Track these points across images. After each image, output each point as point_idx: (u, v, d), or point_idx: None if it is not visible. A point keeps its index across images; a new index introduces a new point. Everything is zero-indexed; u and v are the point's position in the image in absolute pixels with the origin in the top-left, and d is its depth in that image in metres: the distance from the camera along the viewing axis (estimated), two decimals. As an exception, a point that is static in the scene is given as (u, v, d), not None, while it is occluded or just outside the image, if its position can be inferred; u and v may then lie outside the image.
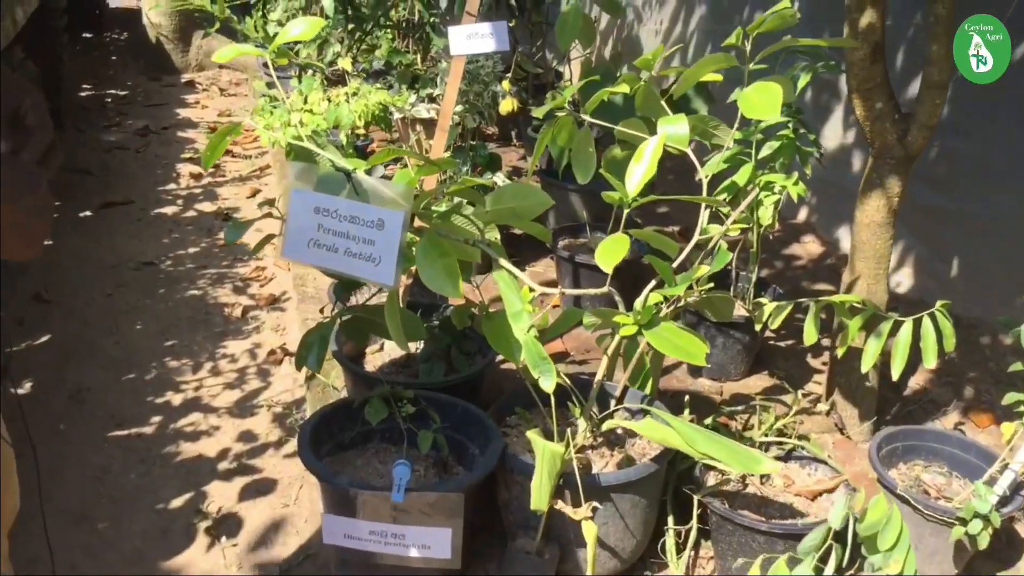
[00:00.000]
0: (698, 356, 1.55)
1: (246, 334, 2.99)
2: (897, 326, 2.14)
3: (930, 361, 2.14)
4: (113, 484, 2.25)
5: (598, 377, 1.83)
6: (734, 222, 2.10)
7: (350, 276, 1.58)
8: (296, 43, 3.53)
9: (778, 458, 2.02)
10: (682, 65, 5.09)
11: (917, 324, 2.14)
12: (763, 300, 2.53)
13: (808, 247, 3.91)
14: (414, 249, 1.54)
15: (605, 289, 1.71)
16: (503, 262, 1.65)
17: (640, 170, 1.57)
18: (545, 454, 1.59)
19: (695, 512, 1.88)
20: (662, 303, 1.77)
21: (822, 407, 2.55)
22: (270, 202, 1.76)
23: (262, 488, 2.25)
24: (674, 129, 1.84)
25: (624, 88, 1.82)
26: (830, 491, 1.93)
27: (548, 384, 1.51)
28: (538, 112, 2.13)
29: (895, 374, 2.15)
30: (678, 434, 1.63)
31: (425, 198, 1.64)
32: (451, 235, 1.61)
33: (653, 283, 1.75)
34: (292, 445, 2.41)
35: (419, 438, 1.80)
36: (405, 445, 1.85)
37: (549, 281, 3.11)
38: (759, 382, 2.71)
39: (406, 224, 1.49)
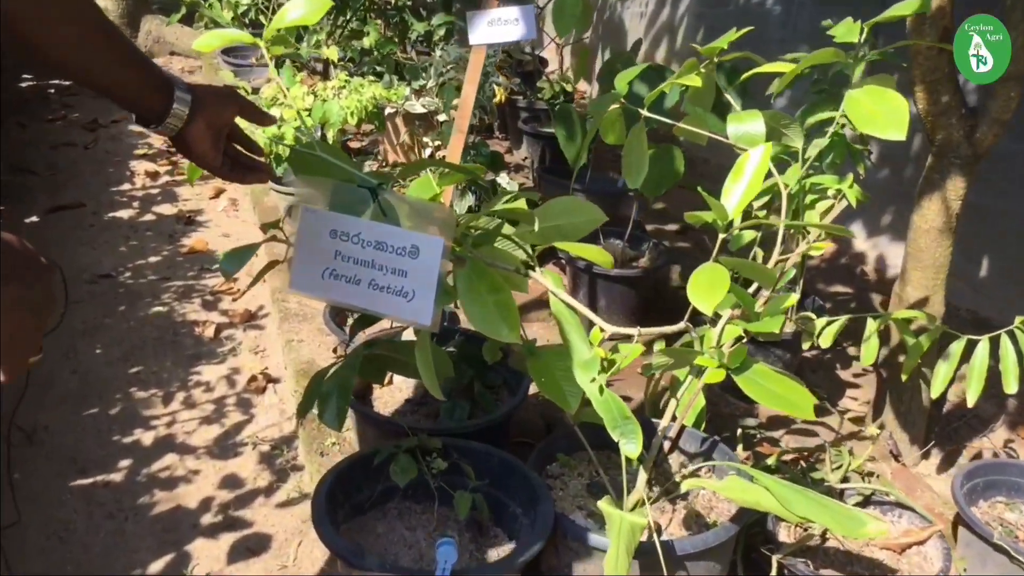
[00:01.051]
0: (805, 408, 1.30)
1: (221, 357, 2.69)
2: (971, 346, 1.92)
3: (1011, 386, 1.93)
4: (79, 545, 1.94)
5: (662, 425, 1.57)
6: (808, 241, 1.86)
7: (376, 313, 1.31)
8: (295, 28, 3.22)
9: (857, 504, 1.78)
10: (670, 51, 4.85)
11: (994, 343, 1.93)
12: (810, 315, 2.30)
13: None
14: (450, 280, 1.28)
15: (682, 325, 1.46)
16: (562, 295, 1.39)
17: (740, 188, 1.31)
18: (623, 527, 1.33)
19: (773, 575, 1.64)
20: (742, 338, 1.52)
21: (871, 431, 2.33)
22: (274, 224, 1.47)
23: (254, 546, 1.96)
24: (746, 128, 1.59)
25: (695, 80, 1.56)
26: (920, 543, 1.70)
27: (632, 448, 1.26)
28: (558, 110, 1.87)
29: (971, 401, 1.94)
30: (772, 495, 1.38)
31: (470, 219, 1.37)
32: (497, 263, 1.34)
33: (728, 314, 1.49)
34: (284, 491, 2.12)
35: (455, 501, 1.53)
36: (436, 506, 1.59)
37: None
38: (796, 402, 2.47)
39: (447, 252, 1.23)
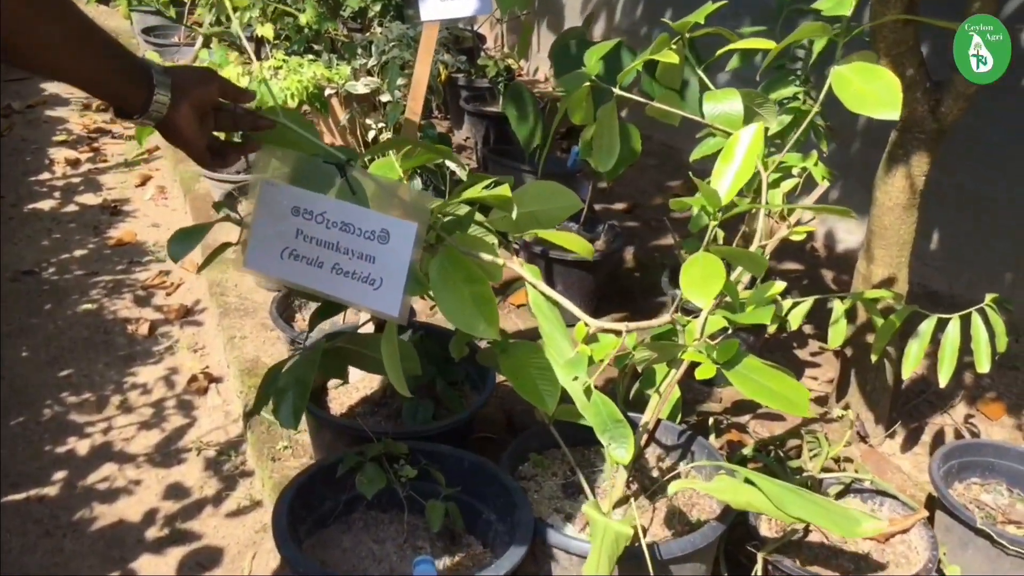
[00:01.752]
0: (802, 405, 1.23)
1: (157, 357, 2.54)
2: (942, 325, 1.89)
3: (984, 365, 1.90)
4: (15, 567, 1.80)
5: (645, 419, 1.50)
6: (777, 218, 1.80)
7: (338, 300, 1.22)
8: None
9: (838, 496, 1.74)
10: (609, 26, 4.77)
11: (965, 322, 1.90)
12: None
13: (767, 222, 3.67)
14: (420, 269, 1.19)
15: (667, 319, 1.38)
16: (541, 286, 1.30)
17: (731, 171, 1.23)
18: (607, 535, 1.26)
19: (758, 572, 1.58)
20: (727, 329, 1.45)
21: (838, 412, 2.30)
22: (228, 202, 1.36)
23: (205, 560, 1.84)
24: (724, 107, 1.52)
25: (672, 57, 1.47)
26: (904, 531, 1.66)
27: (623, 454, 1.18)
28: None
29: (943, 381, 1.91)
30: (765, 496, 1.31)
31: (440, 205, 1.27)
32: (471, 251, 1.25)
33: (711, 305, 1.41)
34: (234, 500, 2.00)
35: (428, 512, 1.44)
36: (405, 516, 1.49)
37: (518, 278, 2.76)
38: (759, 384, 2.43)
39: (420, 239, 1.14)
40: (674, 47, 1.58)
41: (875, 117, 1.26)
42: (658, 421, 1.69)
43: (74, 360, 2.51)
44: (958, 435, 2.42)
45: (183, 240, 1.33)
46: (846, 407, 2.29)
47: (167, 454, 2.15)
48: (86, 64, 1.00)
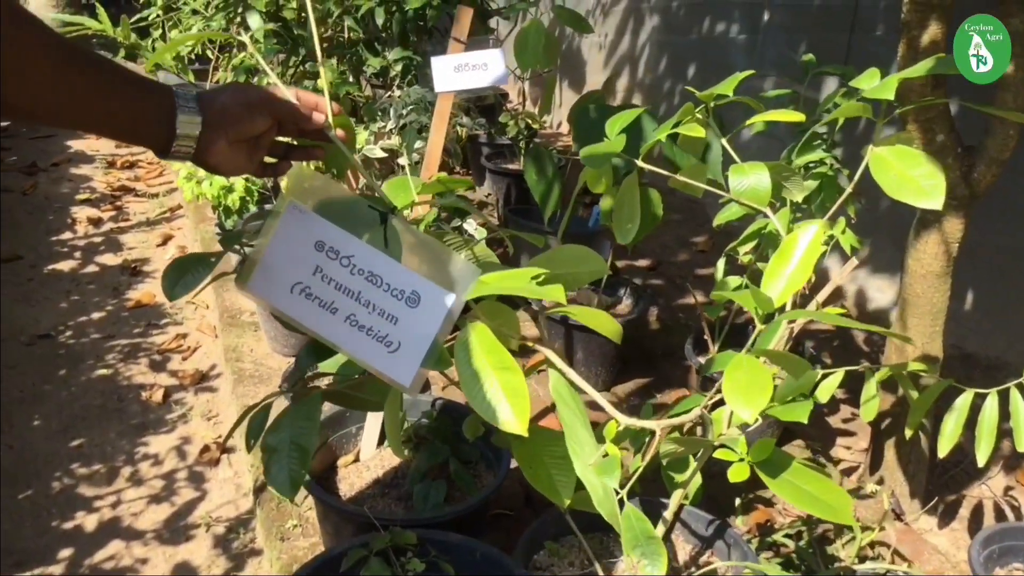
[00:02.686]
0: (844, 513, 1.15)
1: (170, 425, 2.50)
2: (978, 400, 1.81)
3: (1023, 444, 1.82)
4: (12, 653, 1.75)
5: (670, 509, 1.42)
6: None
7: (345, 352, 1.13)
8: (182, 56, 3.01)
9: (872, 585, 1.65)
10: (632, 81, 4.75)
11: (1002, 397, 1.82)
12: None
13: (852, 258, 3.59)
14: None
15: (697, 414, 1.31)
16: (570, 373, 1.22)
17: (786, 272, 1.16)
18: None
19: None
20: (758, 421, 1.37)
21: (871, 487, 2.20)
22: (236, 237, 1.31)
23: (210, 646, 1.78)
24: (750, 181, 1.45)
25: (697, 131, 1.41)
26: (943, 627, 1.57)
27: (656, 571, 1.10)
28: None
29: (981, 460, 1.82)
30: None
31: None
32: (502, 328, 1.18)
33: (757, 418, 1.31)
34: (243, 581, 1.94)
35: (436, 609, 1.37)
36: (414, 614, 1.42)
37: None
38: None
39: (456, 313, 1.06)
40: (699, 116, 1.53)
41: (916, 206, 1.20)
42: (680, 506, 1.62)
43: (86, 429, 2.47)
44: (998, 509, 2.32)
45: (178, 273, 1.24)
46: (880, 481, 2.20)
47: (175, 530, 2.10)
48: (87, 101, 0.91)
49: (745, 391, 1.04)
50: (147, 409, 2.57)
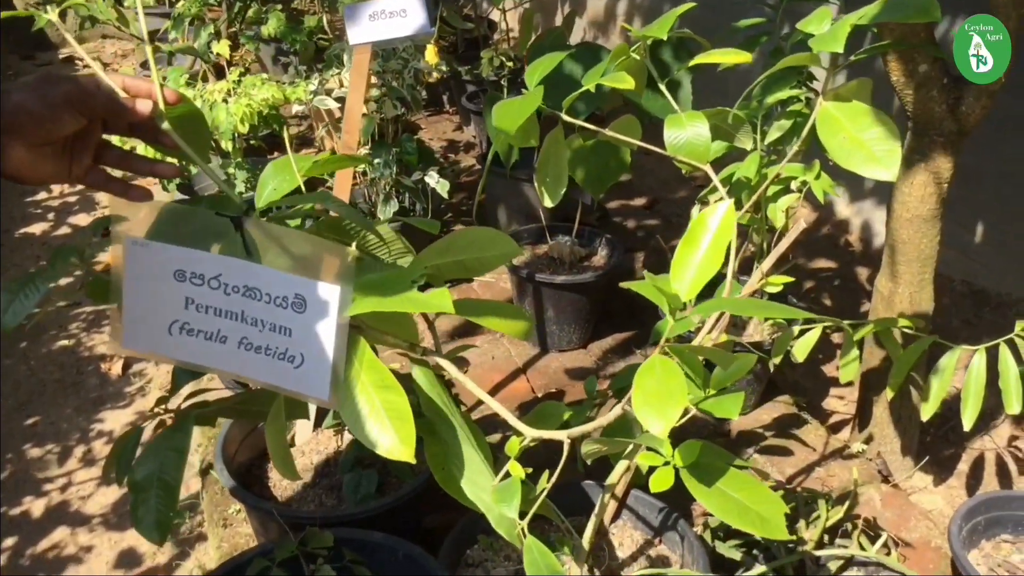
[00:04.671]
0: (775, 526, 1.02)
1: (128, 399, 2.41)
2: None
3: (1013, 406, 1.69)
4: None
5: (589, 530, 1.29)
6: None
7: (254, 383, 1.01)
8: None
9: (839, 570, 1.52)
10: (597, 16, 4.49)
11: (992, 355, 1.68)
12: (782, 320, 2.02)
13: (797, 212, 3.40)
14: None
15: (617, 414, 1.17)
16: (462, 379, 1.08)
17: (695, 261, 1.01)
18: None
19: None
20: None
21: (856, 446, 2.07)
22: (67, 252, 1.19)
23: (148, 641, 1.71)
24: (687, 134, 1.29)
25: (626, 83, 1.24)
26: (912, 616, 1.45)
27: None
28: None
29: (967, 424, 1.68)
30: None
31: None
32: (384, 333, 1.05)
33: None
34: (185, 569, 1.86)
35: (343, 624, 1.27)
36: (325, 624, 1.32)
37: (505, 301, 2.57)
38: (772, 413, 2.21)
39: (346, 303, 0.92)
40: (635, 56, 1.36)
41: (865, 175, 1.04)
42: (628, 490, 1.50)
43: (42, 406, 2.39)
44: (1000, 462, 2.18)
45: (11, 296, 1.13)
46: (869, 439, 2.07)
47: (123, 515, 2.02)
48: None
49: (657, 402, 0.90)
50: (106, 382, 2.49)
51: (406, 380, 1.02)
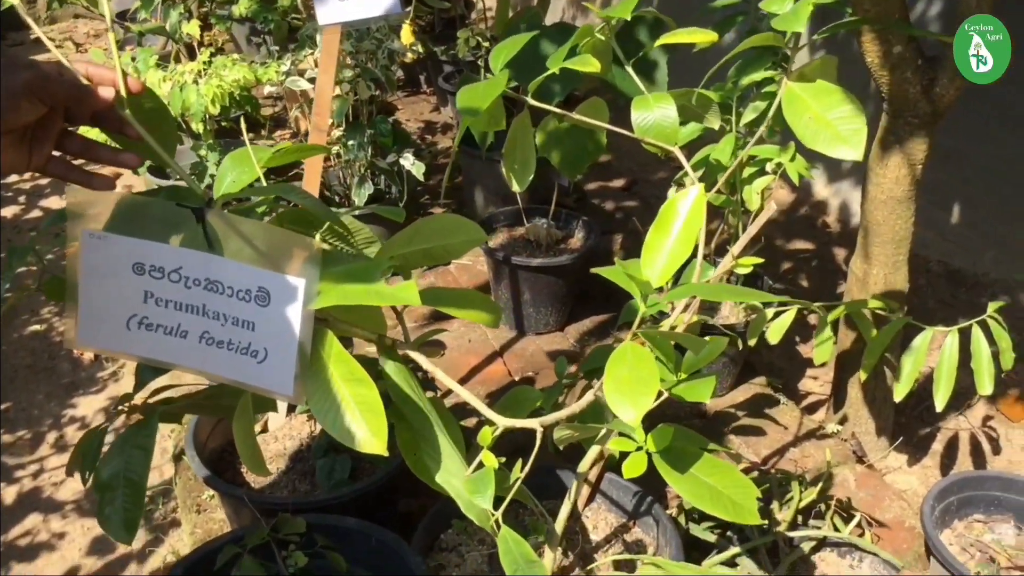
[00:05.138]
0: (748, 511, 1.03)
1: (100, 384, 2.40)
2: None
3: (985, 387, 1.70)
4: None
5: (582, 468, 1.30)
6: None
7: (217, 379, 1.00)
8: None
9: (812, 551, 1.54)
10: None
11: (965, 336, 1.69)
12: (758, 303, 2.03)
13: (775, 192, 3.40)
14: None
15: (589, 400, 1.16)
16: (435, 372, 1.08)
17: (666, 247, 1.00)
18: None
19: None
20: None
21: (831, 427, 2.08)
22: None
23: (122, 628, 1.71)
24: (655, 116, 1.28)
25: (592, 66, 1.23)
26: (885, 596, 1.46)
27: None
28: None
29: (939, 405, 1.70)
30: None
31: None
32: (351, 325, 1.04)
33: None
34: (159, 556, 1.86)
35: (315, 610, 1.26)
36: (298, 611, 1.32)
37: (482, 286, 2.57)
38: (747, 394, 2.22)
39: (311, 296, 0.91)
40: (600, 38, 1.35)
41: (832, 156, 1.04)
42: (602, 474, 1.50)
43: (14, 392, 2.37)
44: (974, 441, 2.20)
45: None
46: (843, 420, 2.08)
47: (96, 501, 2.00)
48: None
49: (628, 389, 0.90)
50: (78, 367, 2.47)
51: (373, 363, 1.02)
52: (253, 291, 0.92)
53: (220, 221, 0.92)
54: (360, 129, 2.36)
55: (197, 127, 2.23)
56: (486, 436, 1.05)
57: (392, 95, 3.01)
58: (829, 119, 1.07)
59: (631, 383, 0.91)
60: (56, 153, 0.94)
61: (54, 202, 3.45)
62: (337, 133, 2.41)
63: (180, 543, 1.86)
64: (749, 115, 1.88)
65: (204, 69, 2.10)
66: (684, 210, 1.00)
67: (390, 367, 1.03)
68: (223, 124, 2.45)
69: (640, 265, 1.03)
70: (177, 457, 1.98)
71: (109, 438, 1.22)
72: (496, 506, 1.02)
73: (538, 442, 1.05)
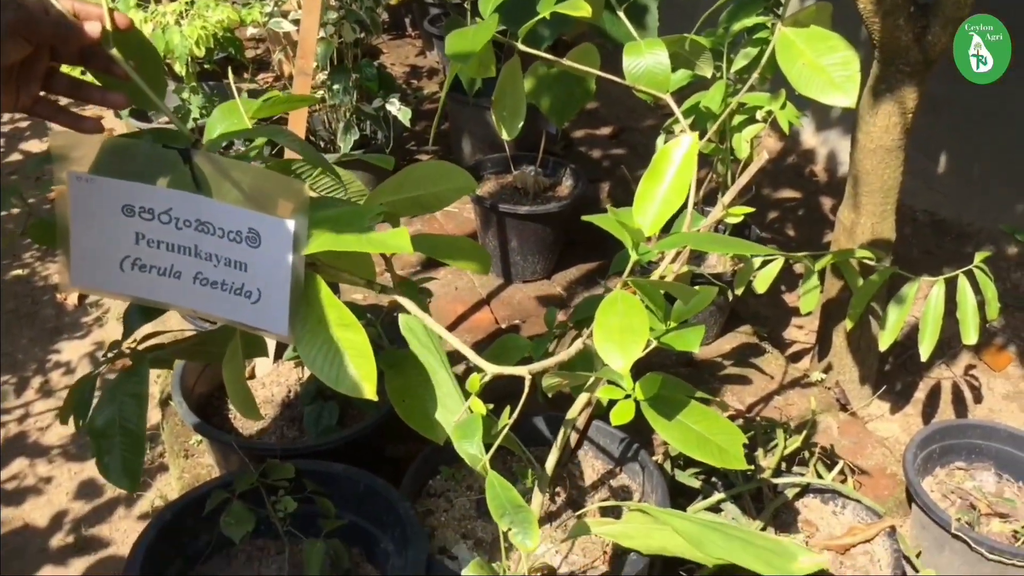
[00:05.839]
0: (734, 455, 1.04)
1: (85, 329, 2.39)
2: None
3: (970, 336, 1.72)
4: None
5: (551, 461, 1.31)
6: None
7: (212, 317, 1.00)
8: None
9: (796, 496, 1.56)
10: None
11: (951, 286, 1.71)
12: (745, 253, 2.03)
13: (764, 140, 3.40)
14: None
15: (575, 350, 1.17)
16: (428, 321, 1.07)
17: (659, 194, 1.00)
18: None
19: (695, 598, 1.42)
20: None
21: (816, 375, 2.10)
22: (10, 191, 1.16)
23: (110, 571, 1.72)
24: (647, 62, 1.27)
25: (582, 9, 1.21)
26: (867, 540, 1.49)
27: (527, 543, 0.99)
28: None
29: (924, 354, 1.71)
30: (680, 536, 1.13)
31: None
32: (340, 271, 1.04)
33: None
34: (147, 500, 1.87)
35: (305, 554, 1.27)
36: (287, 555, 1.34)
37: (469, 234, 2.56)
38: (733, 343, 2.23)
39: (302, 239, 0.90)
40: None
41: (824, 102, 1.04)
42: (589, 422, 1.51)
43: (-3, 337, 2.36)
44: (956, 390, 2.23)
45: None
46: (827, 368, 2.10)
47: (83, 445, 2.01)
48: None
49: (619, 338, 0.90)
50: (62, 312, 2.46)
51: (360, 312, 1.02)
52: (244, 232, 0.92)
53: (207, 163, 0.91)
54: (345, 73, 2.33)
55: (180, 69, 2.20)
56: (474, 383, 1.05)
57: (377, 38, 2.97)
58: (823, 65, 1.07)
59: (621, 331, 0.92)
60: (42, 93, 0.92)
61: (34, 145, 3.41)
62: (321, 77, 2.38)
63: (168, 488, 1.87)
64: (740, 62, 1.87)
65: (186, 10, 2.06)
66: (677, 158, 1.00)
67: (408, 306, 1.03)
68: (206, 67, 2.41)
69: (632, 213, 1.03)
70: (164, 402, 1.98)
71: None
72: (485, 451, 1.03)
73: (526, 389, 1.05)
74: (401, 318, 1.07)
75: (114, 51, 0.90)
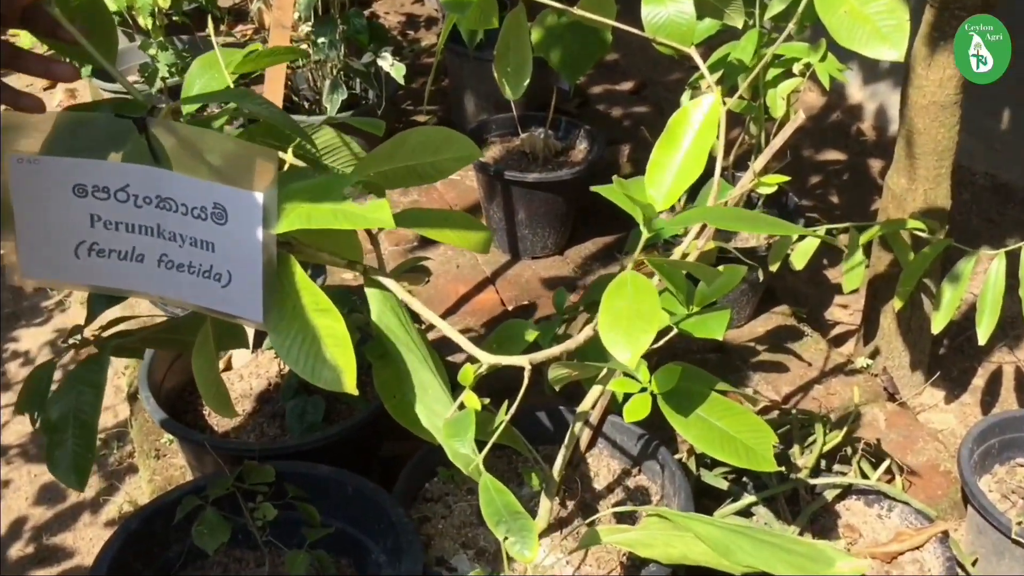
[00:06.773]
0: (763, 457, 1.04)
1: (45, 315, 2.40)
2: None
3: (1032, 314, 1.70)
4: None
5: (560, 462, 1.30)
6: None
7: (180, 304, 1.00)
8: None
9: (838, 498, 1.55)
10: None
11: (1013, 259, 1.69)
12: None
13: (803, 96, 3.37)
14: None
15: (583, 338, 1.16)
16: (412, 302, 1.07)
17: (674, 164, 0.99)
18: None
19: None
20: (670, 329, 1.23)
21: (861, 361, 2.09)
22: None
23: (75, 584, 1.74)
24: (668, 11, 1.26)
25: None
26: (917, 547, 1.48)
27: (525, 553, 0.99)
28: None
29: (983, 337, 1.70)
30: (704, 543, 1.13)
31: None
32: (318, 250, 1.04)
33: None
34: (115, 505, 1.88)
35: (287, 565, 1.28)
36: (266, 568, 1.34)
37: (472, 205, 2.55)
38: (768, 325, 2.22)
39: (273, 213, 0.90)
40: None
41: (868, 55, 1.02)
42: (604, 416, 1.51)
43: (-52, 324, 2.37)
44: (1019, 376, 2.21)
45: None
46: (874, 353, 2.09)
47: (44, 445, 2.01)
48: None
49: (626, 325, 0.89)
50: (19, 297, 2.46)
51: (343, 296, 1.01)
52: (209, 208, 0.91)
53: (166, 132, 0.90)
54: (331, 24, 2.32)
55: (145, 22, 2.19)
56: (468, 375, 1.05)
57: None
58: (867, 13, 1.05)
59: (629, 318, 0.91)
60: None
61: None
62: (305, 29, 2.37)
63: (138, 491, 1.89)
64: (775, 7, 1.84)
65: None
66: (696, 121, 0.99)
67: (375, 296, 1.02)
68: (175, 19, 2.40)
69: (643, 184, 1.02)
70: (133, 396, 1.99)
71: (58, 375, 1.23)
72: (482, 450, 1.03)
73: (526, 381, 1.05)
74: (373, 312, 1.06)
75: (56, 12, 0.89)
